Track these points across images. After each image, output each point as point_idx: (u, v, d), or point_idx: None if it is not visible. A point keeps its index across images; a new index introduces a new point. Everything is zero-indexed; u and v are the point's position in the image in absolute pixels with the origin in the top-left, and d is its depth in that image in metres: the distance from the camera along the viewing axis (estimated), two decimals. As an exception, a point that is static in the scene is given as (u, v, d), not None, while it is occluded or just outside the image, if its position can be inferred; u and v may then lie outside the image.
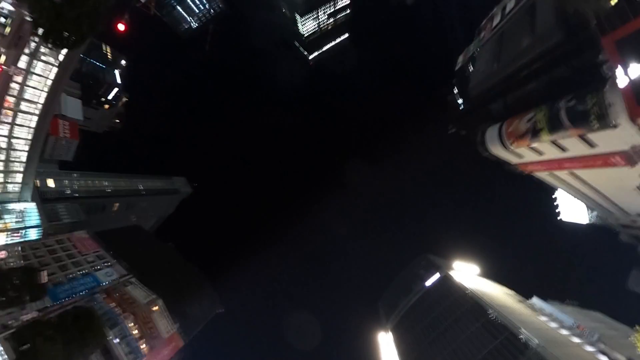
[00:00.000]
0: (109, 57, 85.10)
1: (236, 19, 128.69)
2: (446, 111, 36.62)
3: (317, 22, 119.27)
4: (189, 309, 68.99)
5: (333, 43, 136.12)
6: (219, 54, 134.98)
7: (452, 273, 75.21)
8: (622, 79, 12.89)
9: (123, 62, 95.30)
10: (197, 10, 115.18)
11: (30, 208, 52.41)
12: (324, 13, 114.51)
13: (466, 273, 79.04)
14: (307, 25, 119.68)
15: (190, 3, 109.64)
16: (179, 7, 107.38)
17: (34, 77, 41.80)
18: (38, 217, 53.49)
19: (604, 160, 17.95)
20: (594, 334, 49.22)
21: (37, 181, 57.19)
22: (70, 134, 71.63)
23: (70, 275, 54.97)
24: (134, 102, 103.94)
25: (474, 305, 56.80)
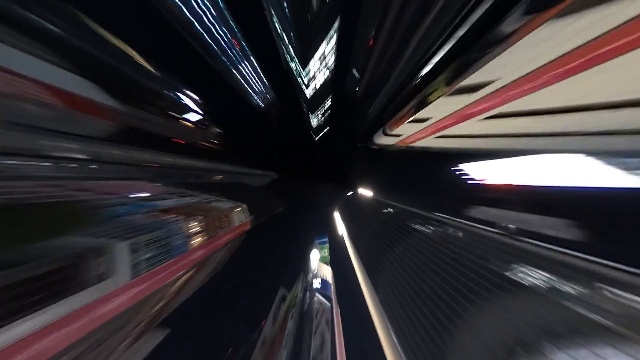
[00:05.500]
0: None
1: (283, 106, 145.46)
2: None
3: (317, 118, 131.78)
4: (262, 209, 67.70)
5: (324, 131, 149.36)
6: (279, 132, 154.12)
7: (358, 193, 75.68)
8: None
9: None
10: (257, 90, 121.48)
11: None
12: (320, 112, 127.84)
13: (365, 193, 72.43)
14: (313, 120, 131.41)
15: (249, 79, 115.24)
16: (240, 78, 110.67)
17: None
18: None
19: (605, 46, 5.75)
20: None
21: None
22: (88, 110, 64.79)
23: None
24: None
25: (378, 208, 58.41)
